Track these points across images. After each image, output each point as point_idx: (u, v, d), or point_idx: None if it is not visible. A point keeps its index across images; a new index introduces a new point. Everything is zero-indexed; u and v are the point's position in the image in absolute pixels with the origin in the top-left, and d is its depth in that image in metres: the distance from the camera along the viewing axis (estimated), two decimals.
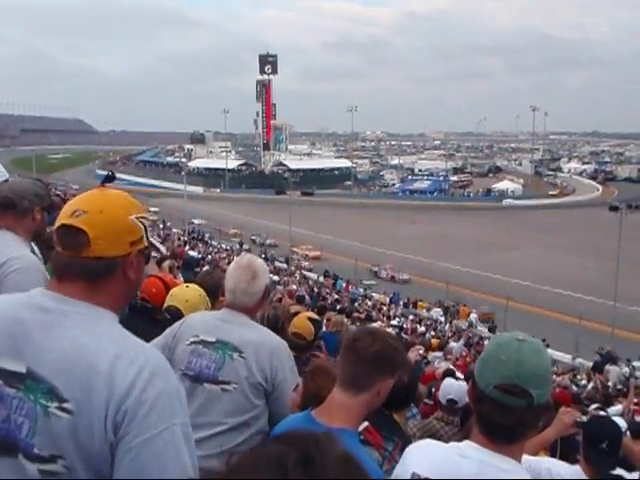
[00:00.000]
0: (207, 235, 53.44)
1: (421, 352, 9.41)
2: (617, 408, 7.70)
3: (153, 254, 5.25)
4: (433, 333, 25.38)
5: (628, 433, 4.75)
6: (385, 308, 32.73)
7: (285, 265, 45.08)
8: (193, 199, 72.58)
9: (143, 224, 1.54)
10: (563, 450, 3.49)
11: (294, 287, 26.64)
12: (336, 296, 32.83)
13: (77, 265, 1.45)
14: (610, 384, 21.38)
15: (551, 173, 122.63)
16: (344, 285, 39.78)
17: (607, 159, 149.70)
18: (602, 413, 6.79)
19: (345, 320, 7.95)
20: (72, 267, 1.45)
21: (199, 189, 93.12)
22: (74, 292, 1.45)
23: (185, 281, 4.63)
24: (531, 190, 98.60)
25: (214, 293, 3.73)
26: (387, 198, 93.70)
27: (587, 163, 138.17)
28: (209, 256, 33.08)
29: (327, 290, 35.55)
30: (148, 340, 1.49)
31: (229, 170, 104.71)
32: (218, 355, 2.56)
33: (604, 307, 33.78)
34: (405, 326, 25.96)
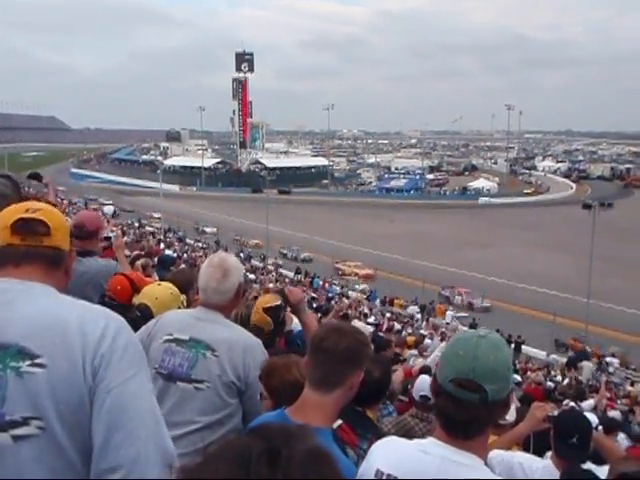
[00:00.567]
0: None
1: (397, 351, 9.44)
2: (589, 403, 7.82)
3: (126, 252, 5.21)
4: (410, 330, 25.51)
5: (600, 428, 4.82)
6: (362, 306, 32.81)
7: (261, 264, 45.00)
8: (169, 197, 72.12)
9: None
10: (536, 445, 3.52)
11: (270, 285, 26.59)
12: (313, 294, 32.84)
13: (37, 253, 1.55)
14: (583, 379, 21.69)
15: (526, 171, 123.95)
16: (321, 283, 39.85)
17: (580, 158, 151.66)
18: (573, 407, 6.88)
19: (317, 317, 7.95)
20: (31, 255, 1.55)
21: (175, 187, 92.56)
22: (32, 276, 1.53)
23: (160, 280, 4.60)
24: (506, 188, 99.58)
25: (186, 290, 3.71)
26: (364, 196, 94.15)
27: (561, 162, 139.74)
28: (185, 255, 32.91)
29: (304, 288, 35.54)
30: None
31: (205, 168, 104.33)
32: (191, 353, 2.54)
33: (578, 304, 34.22)
34: (381, 323, 26.06)
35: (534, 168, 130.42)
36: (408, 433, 3.25)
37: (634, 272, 44.35)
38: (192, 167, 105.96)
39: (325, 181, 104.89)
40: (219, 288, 2.65)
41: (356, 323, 7.30)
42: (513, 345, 28.52)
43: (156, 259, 7.67)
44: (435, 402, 1.63)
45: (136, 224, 50.30)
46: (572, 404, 7.73)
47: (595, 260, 34.47)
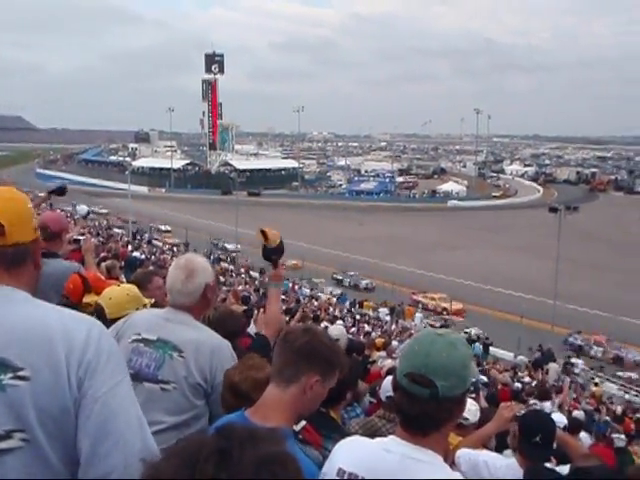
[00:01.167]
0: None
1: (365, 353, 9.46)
2: (551, 402, 7.96)
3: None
4: (379, 332, 25.62)
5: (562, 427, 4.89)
6: (332, 308, 32.85)
7: (232, 266, 44.79)
8: (138, 199, 71.46)
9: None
10: (498, 444, 3.57)
11: (240, 287, 26.48)
12: (282, 296, 32.76)
13: None
14: (550, 380, 22.01)
15: (494, 175, 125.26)
16: (290, 285, 39.80)
17: (547, 162, 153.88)
18: (537, 407, 6.99)
19: (285, 319, 7.96)
20: None
21: (144, 189, 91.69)
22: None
23: (128, 282, 4.58)
24: (475, 192, 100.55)
25: (142, 288, 3.74)
26: (334, 199, 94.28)
27: (528, 165, 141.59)
28: (153, 257, 32.63)
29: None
30: None
31: (174, 170, 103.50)
32: (158, 354, 2.53)
33: (544, 305, 34.71)
34: (349, 325, 26.09)
35: (502, 172, 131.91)
36: (375, 434, 3.25)
37: (598, 274, 45.21)
38: (161, 168, 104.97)
39: (295, 183, 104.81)
40: (183, 289, 2.64)
41: (336, 327, 7.32)
42: (481, 346, 28.84)
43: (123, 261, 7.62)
44: (394, 398, 1.68)
45: (104, 222, 49.70)
46: (537, 404, 7.85)
47: (561, 262, 35.03)
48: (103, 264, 5.79)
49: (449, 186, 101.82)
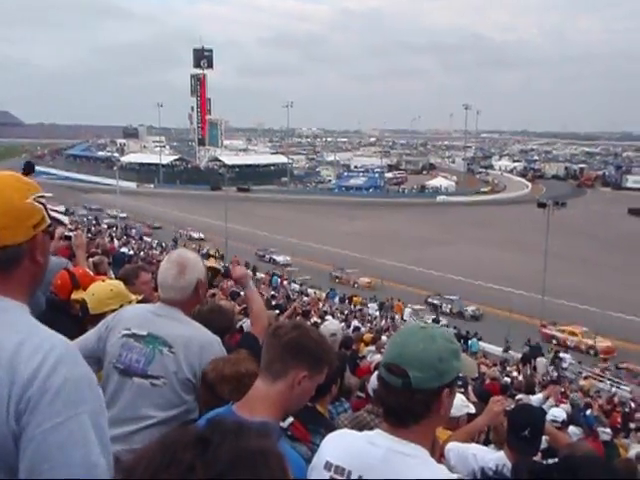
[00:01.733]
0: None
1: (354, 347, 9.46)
2: (538, 397, 8.00)
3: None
4: (369, 327, 25.67)
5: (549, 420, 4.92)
6: (321, 304, 32.89)
7: (221, 262, 44.69)
8: (126, 195, 71.20)
9: (42, 203, 1.47)
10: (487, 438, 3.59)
11: (229, 283, 26.40)
12: (272, 292, 32.78)
13: None
14: (539, 374, 22.18)
15: (483, 170, 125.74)
16: (279, 281, 39.81)
17: (536, 157, 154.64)
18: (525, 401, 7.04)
19: (272, 314, 7.96)
20: None
21: (132, 184, 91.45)
22: None
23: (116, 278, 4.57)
24: (464, 187, 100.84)
25: (129, 284, 3.75)
26: (323, 194, 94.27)
27: (517, 161, 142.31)
28: (142, 252, 32.52)
29: (263, 286, 35.46)
30: (64, 335, 1.44)
31: (163, 165, 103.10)
32: (148, 349, 2.53)
33: (533, 300, 34.87)
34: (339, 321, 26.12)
35: (491, 167, 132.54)
36: (364, 429, 3.26)
37: (586, 269, 45.50)
38: (150, 164, 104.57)
39: (284, 179, 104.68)
40: (175, 285, 2.63)
41: (332, 322, 7.32)
42: (462, 341, 28.97)
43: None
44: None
45: (93, 221, 49.48)
46: (525, 398, 7.91)
47: (549, 257, 35.19)
48: (90, 260, 5.75)
49: (438, 181, 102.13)
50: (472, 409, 3.99)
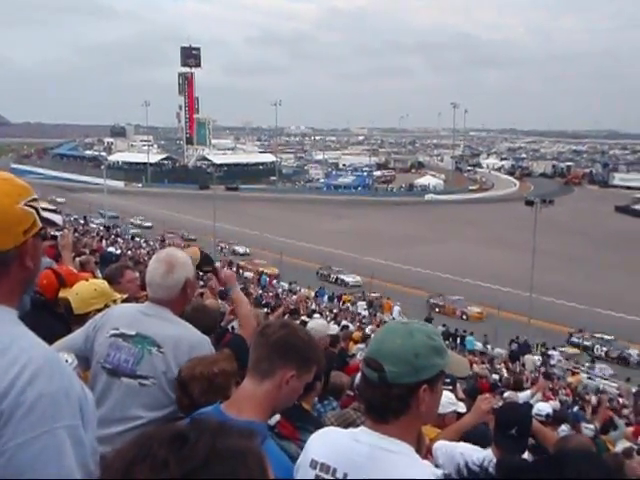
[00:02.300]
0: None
1: (342, 345, 9.45)
2: (526, 393, 8.03)
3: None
4: (358, 325, 25.67)
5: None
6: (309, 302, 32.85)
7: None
8: (114, 194, 70.89)
9: (34, 207, 1.44)
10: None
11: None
12: (260, 291, 32.77)
13: None
14: (527, 372, 22.27)
15: (471, 169, 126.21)
16: (268, 280, 39.78)
17: (523, 155, 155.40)
18: (513, 399, 7.05)
19: (260, 312, 7.95)
20: None
21: (120, 183, 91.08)
22: None
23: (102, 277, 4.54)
24: (452, 185, 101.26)
25: (114, 283, 3.74)
26: (312, 193, 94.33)
27: (505, 159, 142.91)
28: (129, 252, 32.34)
29: (252, 285, 35.42)
30: (49, 335, 1.41)
31: (151, 164, 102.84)
32: (137, 349, 2.51)
33: (521, 298, 35.02)
34: (327, 320, 26.11)
35: (479, 165, 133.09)
36: (350, 426, 3.29)
37: (574, 267, 45.78)
38: (137, 163, 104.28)
39: (273, 178, 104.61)
40: (162, 283, 2.61)
41: (317, 322, 7.27)
42: (458, 339, 29.06)
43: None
44: None
45: (81, 221, 49.15)
46: (513, 395, 7.93)
47: (537, 255, 35.35)
48: (77, 259, 5.71)
49: (426, 180, 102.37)
50: (461, 408, 4.00)
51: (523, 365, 24.45)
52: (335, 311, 31.15)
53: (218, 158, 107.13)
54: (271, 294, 33.46)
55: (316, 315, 21.60)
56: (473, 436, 3.26)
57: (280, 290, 36.57)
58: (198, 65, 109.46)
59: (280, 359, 1.91)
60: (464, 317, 35.43)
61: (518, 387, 10.88)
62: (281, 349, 1.92)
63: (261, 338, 1.96)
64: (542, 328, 31.91)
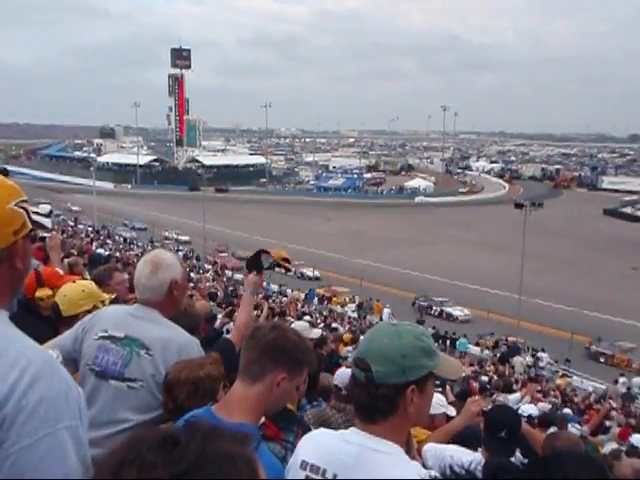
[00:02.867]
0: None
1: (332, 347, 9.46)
2: (515, 396, 8.06)
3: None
4: (347, 327, 25.70)
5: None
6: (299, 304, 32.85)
7: (198, 262, 44.52)
8: (103, 195, 70.62)
9: (24, 208, 1.43)
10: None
11: (207, 284, 26.34)
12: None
13: None
14: (516, 374, 22.34)
15: (461, 171, 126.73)
16: (258, 281, 39.62)
17: (513, 158, 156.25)
18: (502, 401, 7.06)
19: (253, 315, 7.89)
20: None
21: (109, 185, 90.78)
22: None
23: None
24: (442, 188, 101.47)
25: (102, 284, 3.73)
26: (302, 195, 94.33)
27: (494, 162, 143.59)
28: (118, 253, 32.20)
29: (241, 287, 35.28)
30: (34, 336, 1.39)
31: (141, 166, 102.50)
32: (125, 351, 2.49)
33: (510, 300, 35.12)
34: (317, 322, 26.11)
35: (469, 168, 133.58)
36: (325, 423, 3.35)
37: (562, 269, 46.01)
38: (127, 164, 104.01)
39: (263, 179, 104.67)
40: (147, 284, 2.59)
41: (299, 324, 7.24)
42: (448, 342, 29.12)
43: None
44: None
45: (70, 222, 48.89)
46: (501, 397, 7.95)
47: (526, 257, 35.49)
48: (66, 261, 5.67)
49: (416, 182, 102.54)
50: (451, 411, 4.00)
51: (512, 367, 24.52)
52: (325, 313, 31.16)
53: (208, 160, 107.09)
54: (261, 296, 33.39)
55: (306, 317, 21.66)
56: (464, 437, 3.26)
57: (270, 292, 36.50)
58: (188, 67, 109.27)
59: (271, 362, 1.91)
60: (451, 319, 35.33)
61: (508, 389, 10.94)
62: (272, 352, 1.91)
63: (252, 341, 1.95)
64: (531, 330, 32.06)
